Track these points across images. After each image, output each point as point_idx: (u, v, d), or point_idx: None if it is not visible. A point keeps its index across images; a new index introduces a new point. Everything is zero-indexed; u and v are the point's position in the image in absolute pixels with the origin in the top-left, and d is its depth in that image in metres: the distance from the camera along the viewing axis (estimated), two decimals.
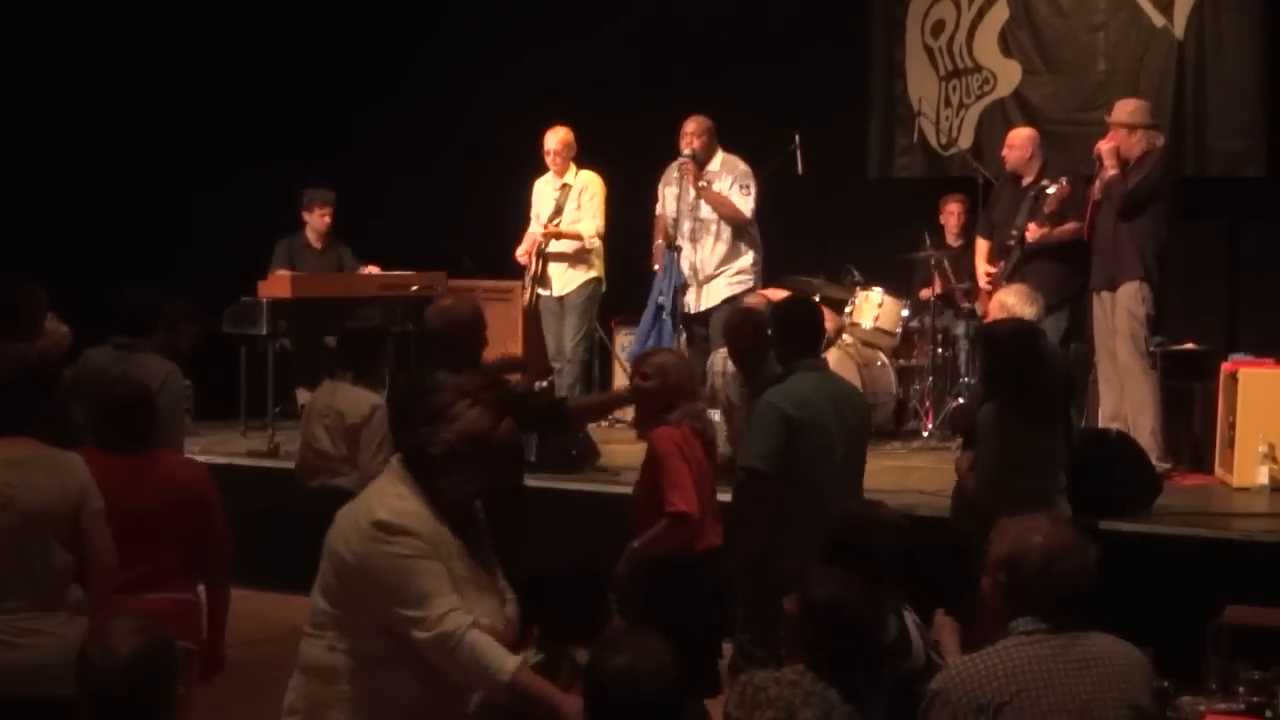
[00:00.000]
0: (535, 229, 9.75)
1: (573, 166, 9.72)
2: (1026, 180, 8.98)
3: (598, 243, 9.62)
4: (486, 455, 3.80)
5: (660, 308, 9.00)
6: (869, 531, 4.72)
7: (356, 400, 6.99)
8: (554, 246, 9.62)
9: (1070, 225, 8.70)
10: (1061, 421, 6.07)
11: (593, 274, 9.65)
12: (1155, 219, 8.31)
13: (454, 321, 5.71)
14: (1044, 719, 3.45)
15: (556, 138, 9.68)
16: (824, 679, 3.87)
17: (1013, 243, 8.85)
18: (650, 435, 5.51)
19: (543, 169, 9.86)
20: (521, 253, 9.73)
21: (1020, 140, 9.13)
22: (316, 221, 10.48)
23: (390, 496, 3.76)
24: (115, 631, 3.28)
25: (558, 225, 9.59)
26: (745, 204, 9.09)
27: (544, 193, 9.79)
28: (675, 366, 5.64)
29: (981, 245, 9.24)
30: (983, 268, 9.10)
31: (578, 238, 9.56)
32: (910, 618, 4.63)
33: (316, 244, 10.51)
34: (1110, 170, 8.29)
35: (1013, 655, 3.52)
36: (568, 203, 9.60)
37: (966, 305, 9.85)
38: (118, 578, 4.63)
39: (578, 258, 9.62)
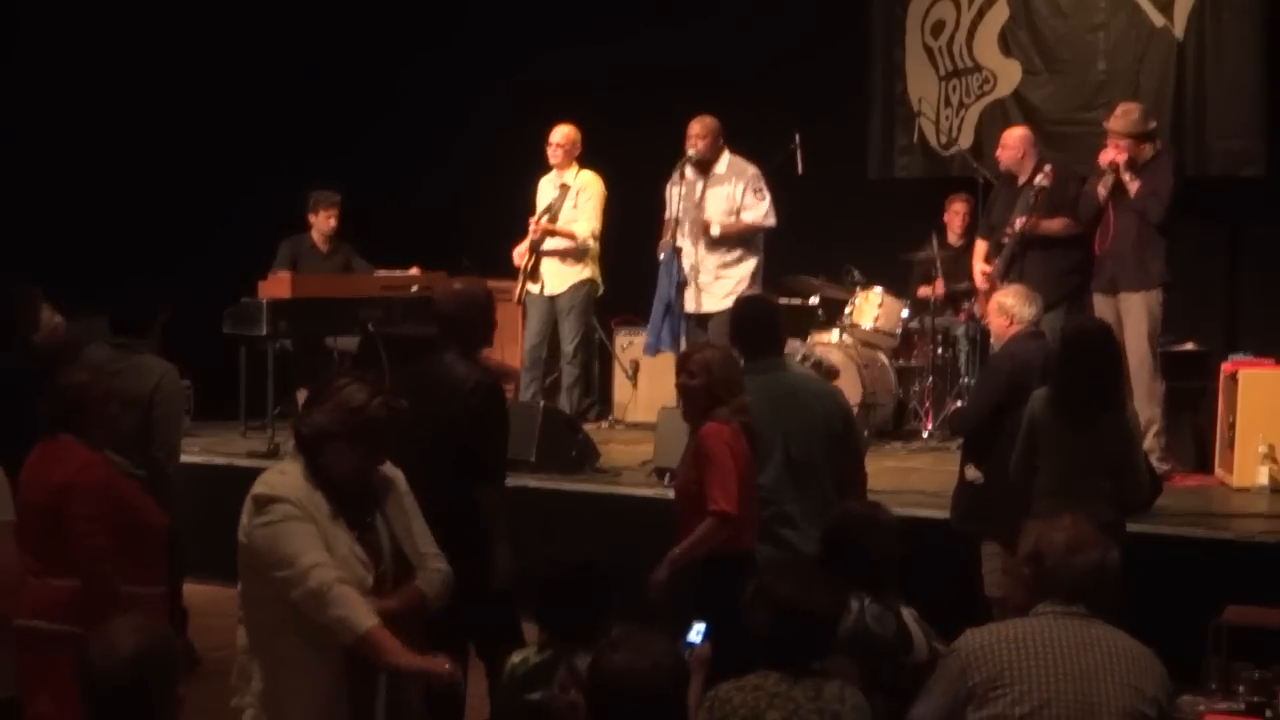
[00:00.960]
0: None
1: (575, 166, 9.71)
2: (1021, 180, 8.99)
3: (593, 244, 9.60)
4: (355, 431, 3.98)
5: (668, 306, 8.95)
6: (862, 531, 4.73)
7: None
8: (548, 244, 9.59)
9: (1060, 221, 8.69)
10: (1109, 426, 6.03)
11: (586, 275, 9.61)
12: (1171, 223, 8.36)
13: (467, 304, 5.74)
14: (1044, 683, 3.63)
15: (562, 133, 9.67)
16: (788, 678, 3.84)
17: (1006, 240, 8.86)
18: (699, 432, 5.50)
19: (546, 169, 9.85)
20: (519, 254, 9.71)
21: (1014, 140, 9.13)
22: (322, 224, 10.46)
23: (272, 473, 4.04)
24: (116, 631, 3.27)
25: (549, 222, 9.55)
26: (761, 208, 9.01)
27: (545, 191, 9.78)
28: (720, 363, 5.60)
29: (980, 246, 9.24)
30: (979, 267, 9.11)
31: (572, 237, 9.54)
32: (909, 613, 4.64)
33: (322, 246, 10.50)
34: (1134, 184, 8.28)
35: (1024, 625, 3.75)
36: (565, 202, 9.58)
37: (966, 305, 9.86)
38: (17, 594, 4.56)
39: (572, 258, 9.59)
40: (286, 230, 10.49)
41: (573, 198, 9.58)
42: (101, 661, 3.22)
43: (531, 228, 9.60)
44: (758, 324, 5.96)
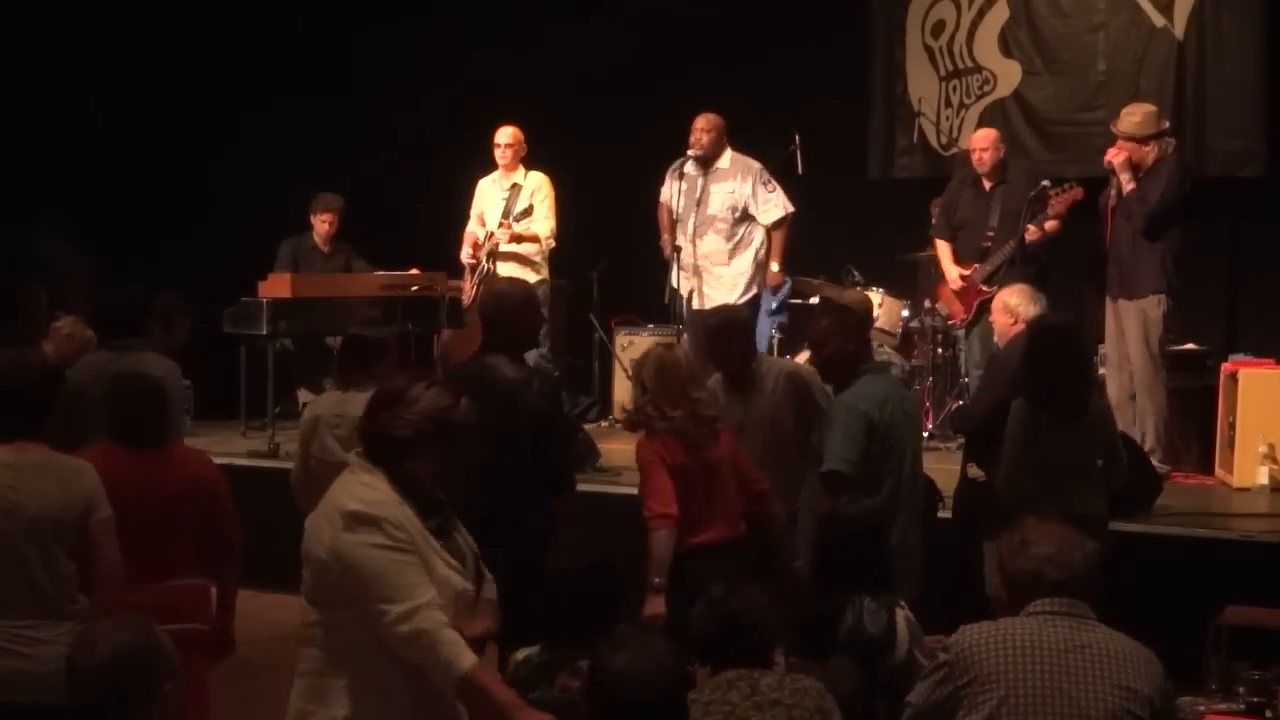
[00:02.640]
0: (474, 228, 9.69)
1: (521, 167, 9.69)
2: (989, 183, 8.99)
3: (553, 243, 9.60)
4: (449, 433, 3.81)
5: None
6: (859, 532, 4.73)
7: None
8: (507, 246, 9.56)
9: (1051, 223, 8.72)
10: (1095, 413, 6.07)
11: (542, 277, 9.59)
12: (1175, 228, 8.35)
13: (511, 305, 5.78)
14: (1032, 686, 3.63)
15: (507, 134, 9.65)
16: (722, 684, 3.83)
17: (990, 244, 8.87)
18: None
19: (543, 168, 9.82)
20: (468, 255, 9.66)
21: (991, 141, 9.12)
22: (321, 225, 10.50)
23: (359, 487, 3.75)
24: (99, 630, 3.28)
25: (512, 225, 9.51)
26: (775, 201, 9.06)
27: (490, 192, 9.73)
28: (651, 374, 5.66)
29: (943, 248, 9.21)
30: (953, 271, 9.09)
31: (536, 239, 9.52)
32: (903, 614, 4.64)
33: (323, 247, 10.53)
34: (1128, 185, 8.30)
35: (1016, 625, 3.74)
36: (518, 203, 9.55)
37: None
38: (122, 589, 4.59)
39: (530, 260, 9.57)
40: (286, 230, 10.51)
41: (527, 199, 9.54)
42: (80, 660, 3.23)
43: (495, 230, 9.55)
44: (864, 329, 5.99)
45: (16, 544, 4.40)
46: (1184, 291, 8.70)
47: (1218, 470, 8.57)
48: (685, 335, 9.02)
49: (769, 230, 9.11)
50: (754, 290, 9.13)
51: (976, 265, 8.95)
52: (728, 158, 9.10)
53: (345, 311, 9.91)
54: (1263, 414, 8.18)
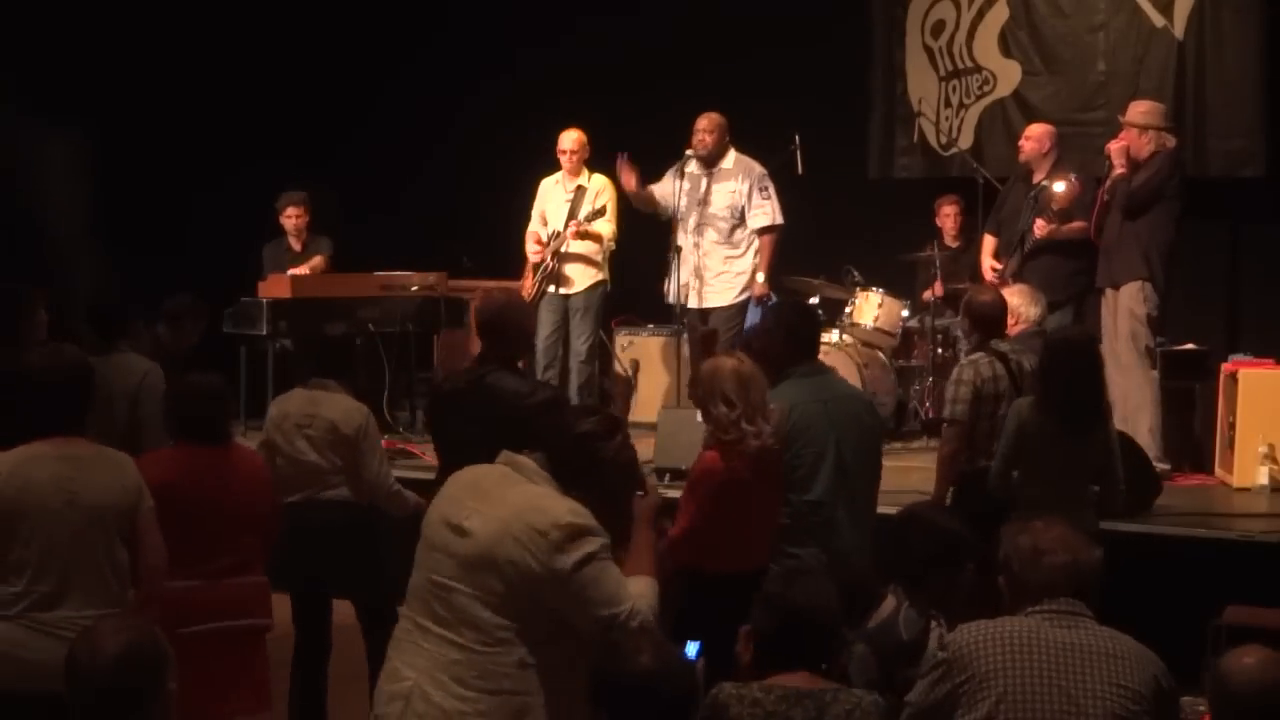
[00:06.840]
0: (537, 227, 9.71)
1: (585, 170, 9.71)
2: (1037, 176, 8.95)
3: (613, 246, 9.63)
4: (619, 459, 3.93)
5: None
6: (914, 527, 4.70)
7: (346, 409, 6.38)
8: (573, 247, 9.58)
9: (1077, 224, 8.69)
10: (1098, 430, 6.04)
11: (601, 277, 9.64)
12: (1162, 219, 8.34)
13: (506, 315, 5.72)
14: (1029, 685, 3.63)
15: (572, 138, 9.65)
16: (790, 695, 3.68)
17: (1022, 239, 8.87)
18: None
19: (542, 168, 9.82)
20: (535, 253, 9.66)
21: (1038, 133, 9.07)
22: (288, 224, 10.48)
23: (557, 499, 3.76)
24: (102, 631, 3.28)
25: (579, 225, 9.53)
26: (767, 208, 9.07)
27: (554, 193, 9.73)
28: (734, 387, 5.49)
29: (989, 241, 9.22)
30: (988, 263, 9.10)
31: (599, 239, 9.55)
32: (938, 631, 4.59)
33: (296, 246, 10.50)
34: (1119, 169, 8.33)
35: (1014, 625, 3.75)
36: (583, 205, 9.57)
37: None
38: (166, 578, 4.70)
39: (593, 260, 9.60)
40: (270, 235, 10.49)
41: (590, 201, 9.55)
42: (86, 661, 3.22)
43: (561, 230, 9.57)
44: (797, 330, 5.85)
45: (81, 534, 4.47)
46: (1184, 291, 8.69)
47: (1218, 470, 8.58)
48: (685, 336, 9.04)
49: (756, 235, 9.11)
50: (750, 293, 9.14)
51: (1008, 259, 8.92)
52: (731, 158, 9.12)
53: (345, 311, 9.90)
54: (1263, 414, 8.18)
